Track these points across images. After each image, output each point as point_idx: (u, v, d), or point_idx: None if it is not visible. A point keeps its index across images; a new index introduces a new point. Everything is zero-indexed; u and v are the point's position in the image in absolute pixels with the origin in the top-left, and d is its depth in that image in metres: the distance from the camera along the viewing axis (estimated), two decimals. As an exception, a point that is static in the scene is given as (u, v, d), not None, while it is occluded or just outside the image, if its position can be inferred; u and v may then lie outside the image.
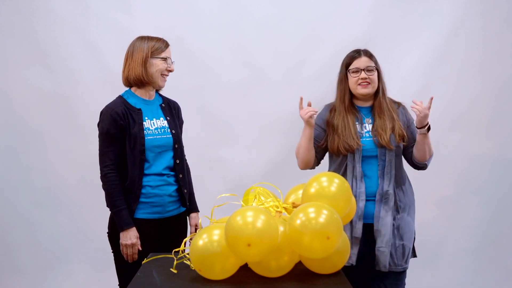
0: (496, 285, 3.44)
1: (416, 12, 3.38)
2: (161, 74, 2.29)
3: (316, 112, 2.31)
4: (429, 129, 2.25)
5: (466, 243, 3.47)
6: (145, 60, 2.26)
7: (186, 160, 2.48)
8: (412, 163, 2.43)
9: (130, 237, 2.20)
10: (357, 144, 2.28)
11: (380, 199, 2.27)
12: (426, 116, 2.20)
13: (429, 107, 2.20)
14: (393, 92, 2.46)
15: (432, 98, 2.20)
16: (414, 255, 2.42)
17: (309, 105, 2.30)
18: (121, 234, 2.21)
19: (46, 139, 3.39)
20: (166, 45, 2.32)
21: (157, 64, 2.27)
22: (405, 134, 2.32)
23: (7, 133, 3.37)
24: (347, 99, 2.36)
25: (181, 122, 2.49)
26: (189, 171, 2.50)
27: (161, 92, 2.46)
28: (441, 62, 3.40)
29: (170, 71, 2.33)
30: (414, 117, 2.30)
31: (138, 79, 2.27)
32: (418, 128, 2.25)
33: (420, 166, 2.41)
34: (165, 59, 2.29)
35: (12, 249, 3.42)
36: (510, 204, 3.44)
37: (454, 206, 3.44)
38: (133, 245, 2.20)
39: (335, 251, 1.73)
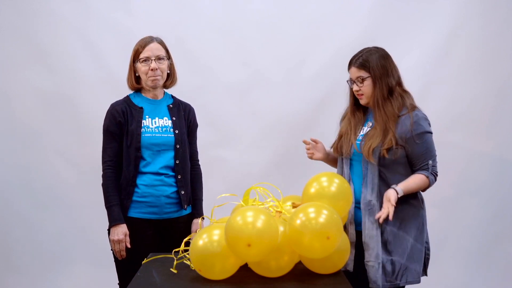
0: (496, 285, 3.44)
1: (416, 12, 3.38)
2: (148, 76, 2.28)
3: (310, 150, 2.28)
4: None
5: (466, 243, 3.46)
6: (131, 66, 2.32)
7: (199, 165, 2.47)
8: None
9: (118, 233, 2.21)
10: (349, 151, 2.18)
11: (364, 208, 2.09)
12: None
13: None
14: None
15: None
16: (424, 273, 2.20)
17: (309, 142, 2.26)
18: (111, 230, 2.23)
19: (46, 139, 3.39)
20: (144, 44, 2.27)
21: (139, 68, 2.29)
22: (393, 147, 2.05)
23: (7, 133, 3.37)
24: (351, 102, 2.24)
25: (193, 125, 2.45)
26: (200, 175, 2.46)
27: (175, 94, 2.46)
28: (441, 62, 3.40)
29: (152, 70, 2.26)
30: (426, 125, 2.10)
31: (129, 85, 2.35)
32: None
33: None
34: (145, 60, 2.26)
35: (12, 249, 3.42)
36: (510, 204, 3.44)
37: (454, 206, 3.44)
38: (119, 241, 2.21)
39: (335, 251, 1.74)
